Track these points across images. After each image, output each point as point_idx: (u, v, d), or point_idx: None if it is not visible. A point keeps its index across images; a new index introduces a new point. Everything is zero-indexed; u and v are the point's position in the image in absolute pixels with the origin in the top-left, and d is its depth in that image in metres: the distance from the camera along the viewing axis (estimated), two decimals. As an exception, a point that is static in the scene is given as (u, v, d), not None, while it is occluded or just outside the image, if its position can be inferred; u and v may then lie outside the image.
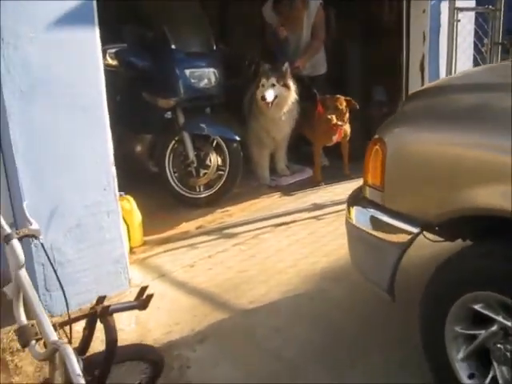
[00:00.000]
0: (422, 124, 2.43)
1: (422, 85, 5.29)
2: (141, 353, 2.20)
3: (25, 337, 1.61)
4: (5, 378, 2.70)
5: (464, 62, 5.32)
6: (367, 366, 2.69)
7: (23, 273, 1.67)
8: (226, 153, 4.63)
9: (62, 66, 2.91)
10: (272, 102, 4.83)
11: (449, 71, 5.21)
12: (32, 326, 1.64)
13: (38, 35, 2.80)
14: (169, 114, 4.53)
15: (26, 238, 1.77)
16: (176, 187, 4.65)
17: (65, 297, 1.87)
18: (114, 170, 3.23)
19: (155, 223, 4.19)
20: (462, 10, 5.09)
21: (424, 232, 2.41)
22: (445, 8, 5.22)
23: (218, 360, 2.81)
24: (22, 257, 1.68)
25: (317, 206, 4.70)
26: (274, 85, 4.84)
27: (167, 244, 4.05)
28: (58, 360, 1.70)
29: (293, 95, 4.98)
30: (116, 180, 3.25)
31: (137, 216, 3.86)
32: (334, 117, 5.03)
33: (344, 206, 4.30)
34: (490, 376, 2.18)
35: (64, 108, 2.96)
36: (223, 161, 4.66)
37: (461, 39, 5.24)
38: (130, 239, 3.75)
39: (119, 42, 4.48)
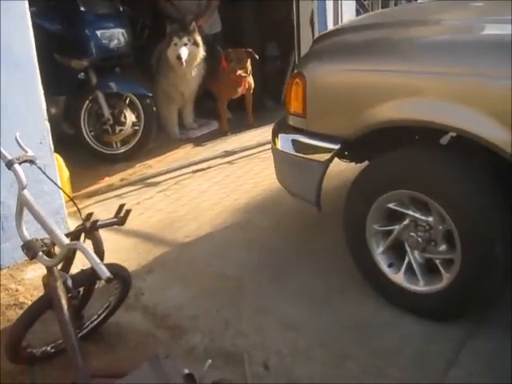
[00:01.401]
0: (330, 58, 2.88)
1: (313, 38, 5.73)
2: (116, 270, 2.47)
3: (32, 250, 1.85)
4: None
5: (349, 16, 5.81)
6: (302, 273, 3.12)
7: (26, 193, 1.91)
8: (140, 109, 4.88)
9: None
10: (185, 60, 5.09)
11: (336, 24, 5.68)
12: (36, 240, 1.89)
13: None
14: (82, 75, 4.69)
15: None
16: (94, 145, 4.85)
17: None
18: (48, 124, 3.41)
19: (79, 180, 4.35)
20: (344, -34, 5.56)
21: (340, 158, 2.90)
22: (330, -36, 5.67)
23: (168, 285, 3.12)
24: (23, 178, 1.92)
25: (228, 153, 5.10)
26: (186, 43, 5.11)
27: (95, 197, 4.26)
28: (56, 273, 1.97)
29: (201, 52, 5.28)
30: (50, 134, 3.43)
31: (65, 172, 4.03)
32: (237, 68, 5.41)
33: (252, 151, 4.80)
34: (406, 262, 2.68)
35: (-1, 65, 3.09)
36: (137, 117, 4.91)
37: (346, -6, 5.72)
38: (61, 193, 3.92)
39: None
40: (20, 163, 1.97)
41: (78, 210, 2.11)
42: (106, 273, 1.55)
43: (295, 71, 2.87)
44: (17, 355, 2.36)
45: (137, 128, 4.91)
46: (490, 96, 2.21)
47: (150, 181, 4.54)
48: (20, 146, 2.08)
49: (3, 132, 3.15)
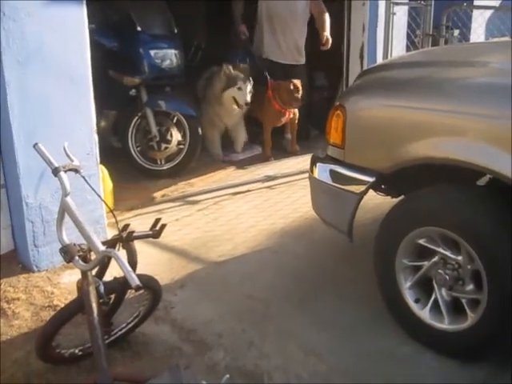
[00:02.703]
0: (372, 92, 2.95)
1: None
2: (146, 280, 2.56)
3: (70, 254, 1.96)
4: (4, 324, 2.98)
5: (399, 51, 5.87)
6: (329, 301, 3.16)
7: (69, 199, 2.03)
8: (186, 128, 5.02)
9: (54, 39, 3.21)
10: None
11: (385, 58, 5.74)
12: (74, 245, 1.99)
13: (35, 10, 3.09)
14: (133, 92, 4.86)
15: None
16: (139, 160, 5.00)
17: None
18: (96, 137, 3.56)
19: (122, 192, 4.50)
20: (397, 3, 5.62)
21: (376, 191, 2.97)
22: (382, 2, 5.75)
23: (198, 301, 3.20)
24: (68, 186, 2.04)
25: (269, 178, 5.19)
26: (250, 89, 5.33)
27: (135, 210, 4.39)
28: (90, 278, 2.07)
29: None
30: (98, 146, 3.57)
31: (108, 184, 4.17)
32: (283, 101, 5.60)
33: (292, 178, 4.87)
34: (433, 299, 2.70)
35: (55, 78, 3.26)
36: (183, 136, 5.05)
37: (396, 30, 5.75)
38: (104, 204, 4.06)
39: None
40: (65, 171, 2.09)
41: (116, 220, 2.21)
42: (135, 281, 1.63)
43: (337, 103, 2.94)
44: (46, 354, 2.47)
45: (181, 147, 5.05)
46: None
47: (190, 199, 4.64)
48: (67, 155, 2.20)
49: (54, 141, 3.30)
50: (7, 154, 3.30)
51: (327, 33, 5.77)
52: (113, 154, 4.97)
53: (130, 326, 2.73)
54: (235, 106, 5.36)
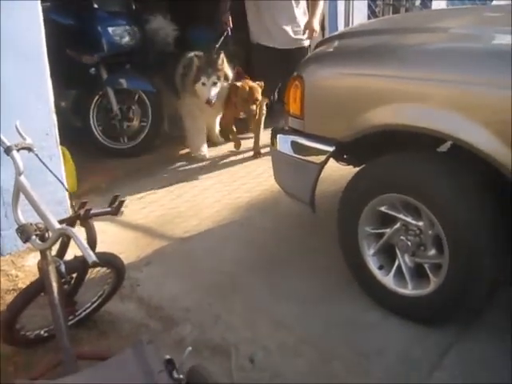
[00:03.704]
0: (330, 61, 2.95)
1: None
2: (110, 259, 2.54)
3: (26, 233, 1.93)
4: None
5: (360, 21, 5.87)
6: (296, 272, 3.18)
7: (23, 179, 1.99)
8: (148, 105, 4.94)
9: (6, 17, 3.12)
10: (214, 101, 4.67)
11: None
12: (30, 224, 1.96)
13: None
14: (93, 70, 4.77)
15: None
16: (102, 140, 4.94)
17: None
18: (55, 117, 3.50)
19: (84, 173, 4.43)
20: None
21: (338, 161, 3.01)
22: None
23: (164, 277, 3.19)
24: (21, 165, 2.00)
25: (233, 152, 5.18)
26: (215, 83, 4.66)
27: (99, 190, 4.32)
28: (49, 257, 2.04)
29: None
30: (57, 127, 3.51)
31: (71, 164, 4.11)
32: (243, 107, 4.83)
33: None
34: (396, 265, 2.73)
35: (10, 57, 3.18)
36: (145, 113, 4.97)
37: (357, 1, 5.77)
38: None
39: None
40: (18, 150, 2.05)
41: (71, 201, 2.18)
42: (92, 256, 1.62)
43: (295, 74, 2.92)
44: (11, 337, 2.44)
45: (144, 124, 4.98)
46: (488, 106, 2.26)
47: (154, 177, 4.59)
48: (19, 134, 2.16)
49: (10, 122, 3.22)
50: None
51: (316, 21, 4.92)
52: (75, 134, 4.90)
53: (94, 305, 2.72)
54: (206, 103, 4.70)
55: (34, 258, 3.34)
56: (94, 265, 2.47)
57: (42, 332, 2.55)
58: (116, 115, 4.84)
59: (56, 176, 2.17)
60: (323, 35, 5.92)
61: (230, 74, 4.82)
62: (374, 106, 2.57)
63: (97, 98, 4.86)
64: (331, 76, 2.82)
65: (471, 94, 2.31)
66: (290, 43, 4.97)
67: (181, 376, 1.66)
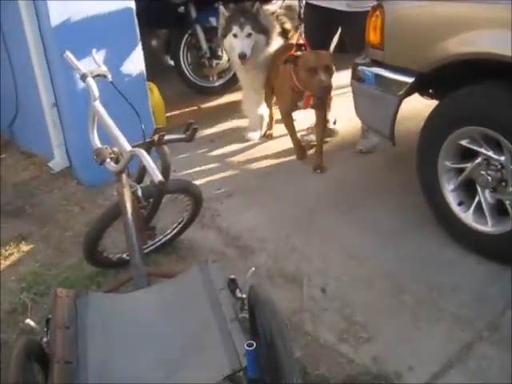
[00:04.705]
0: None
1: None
2: (186, 186, 2.63)
3: (101, 156, 2.02)
4: (60, 234, 3.14)
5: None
6: (374, 208, 3.17)
7: (97, 103, 2.08)
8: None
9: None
10: (248, 57, 3.82)
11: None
12: (106, 148, 2.05)
13: None
14: (182, 9, 4.81)
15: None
16: (191, 78, 5.00)
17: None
18: (141, 53, 3.58)
19: (174, 109, 4.55)
20: None
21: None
22: None
23: (244, 210, 3.27)
24: (96, 91, 2.09)
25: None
26: (249, 34, 3.82)
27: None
28: (124, 180, 2.13)
29: (273, 40, 3.96)
30: (143, 63, 3.61)
31: (160, 100, 4.22)
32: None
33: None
34: (476, 201, 2.65)
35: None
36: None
37: None
38: (155, 120, 4.12)
39: None
40: (93, 77, 2.14)
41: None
42: (159, 176, 1.68)
43: (376, 3, 2.84)
44: (94, 258, 2.61)
45: (233, 61, 4.98)
46: None
47: (241, 113, 4.60)
48: (95, 61, 2.24)
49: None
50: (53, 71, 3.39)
51: None
52: (166, 72, 5.02)
53: (174, 231, 2.84)
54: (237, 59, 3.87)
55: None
56: (170, 191, 2.57)
57: (125, 256, 2.68)
58: (205, 53, 4.88)
59: (132, 106, 2.23)
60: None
61: (271, 25, 3.97)
62: (450, 35, 2.48)
63: (186, 36, 4.91)
64: (411, 5, 2.72)
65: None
66: (348, 4, 3.53)
67: (243, 295, 1.73)
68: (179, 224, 2.83)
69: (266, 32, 3.89)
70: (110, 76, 2.19)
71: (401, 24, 2.73)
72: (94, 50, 2.33)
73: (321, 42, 3.66)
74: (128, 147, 1.91)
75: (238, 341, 1.56)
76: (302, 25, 3.79)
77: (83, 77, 2.13)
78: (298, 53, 3.58)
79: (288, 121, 3.81)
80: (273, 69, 3.89)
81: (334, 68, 3.47)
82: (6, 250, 2.98)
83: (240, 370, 1.52)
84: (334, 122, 4.11)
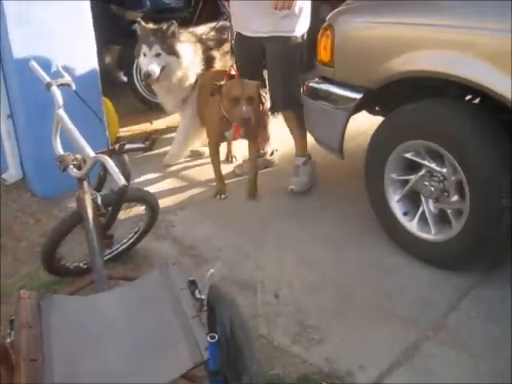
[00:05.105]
0: (360, 11, 2.97)
1: None
2: (143, 195, 2.69)
3: (64, 163, 2.08)
4: (15, 244, 3.14)
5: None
6: (325, 218, 3.32)
7: (61, 111, 2.14)
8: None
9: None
10: (157, 78, 3.77)
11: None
12: (68, 155, 2.11)
13: None
14: (136, 26, 4.87)
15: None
16: (144, 94, 5.06)
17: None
18: (97, 67, 3.65)
19: (128, 124, 4.62)
20: None
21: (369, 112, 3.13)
22: None
23: (198, 221, 3.34)
24: (60, 99, 2.15)
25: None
26: (158, 54, 3.76)
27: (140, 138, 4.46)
28: (85, 187, 2.19)
29: (184, 64, 3.82)
30: (99, 77, 3.67)
31: (113, 114, 4.27)
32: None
33: None
34: (420, 211, 2.81)
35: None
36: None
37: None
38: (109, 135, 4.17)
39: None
40: (58, 86, 2.20)
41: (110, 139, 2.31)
42: (122, 180, 1.75)
43: (326, 24, 2.99)
44: (52, 266, 2.63)
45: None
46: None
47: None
48: (60, 72, 2.31)
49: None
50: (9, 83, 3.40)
51: None
52: (119, 88, 5.06)
53: (130, 241, 2.89)
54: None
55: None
56: (129, 199, 2.63)
57: (81, 264, 2.73)
58: (159, 70, 4.94)
59: (95, 112, 2.30)
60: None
61: (183, 51, 3.82)
62: (396, 54, 2.65)
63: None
64: (360, 26, 2.88)
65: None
66: (269, 29, 3.34)
67: (202, 296, 1.80)
68: (135, 233, 2.89)
69: (178, 55, 3.78)
70: (73, 85, 2.25)
71: (349, 43, 2.88)
72: (59, 64, 2.38)
73: (250, 71, 3.53)
74: (92, 153, 1.97)
75: (199, 336, 1.64)
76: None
77: (48, 85, 2.19)
78: (222, 82, 3.46)
79: (214, 151, 3.66)
80: (201, 98, 3.81)
81: (264, 98, 3.44)
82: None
83: (201, 363, 1.59)
84: (272, 153, 4.02)
